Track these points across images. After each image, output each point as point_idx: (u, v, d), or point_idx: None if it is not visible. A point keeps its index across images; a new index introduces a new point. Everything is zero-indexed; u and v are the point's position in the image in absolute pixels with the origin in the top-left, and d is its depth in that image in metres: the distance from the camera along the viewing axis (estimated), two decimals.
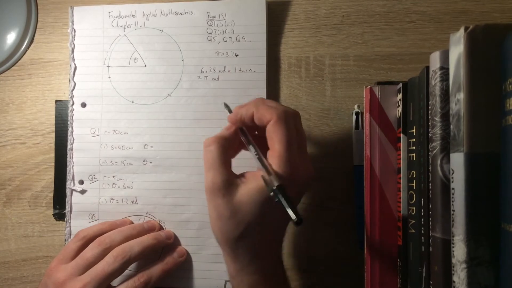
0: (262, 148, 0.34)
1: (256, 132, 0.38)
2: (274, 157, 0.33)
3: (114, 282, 0.41)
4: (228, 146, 0.34)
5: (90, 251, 0.40)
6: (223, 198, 0.32)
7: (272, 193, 0.31)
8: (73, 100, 0.47)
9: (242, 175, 0.34)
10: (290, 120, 0.33)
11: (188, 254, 0.44)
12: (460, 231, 0.29)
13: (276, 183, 0.31)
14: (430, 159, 0.33)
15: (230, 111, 0.38)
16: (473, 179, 0.29)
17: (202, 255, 0.44)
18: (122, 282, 0.41)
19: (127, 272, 0.41)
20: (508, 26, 0.29)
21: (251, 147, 0.34)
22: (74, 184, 0.46)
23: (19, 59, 0.49)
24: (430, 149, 0.33)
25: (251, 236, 0.33)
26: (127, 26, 0.46)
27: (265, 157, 0.33)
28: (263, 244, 0.34)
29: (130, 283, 0.40)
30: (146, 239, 0.42)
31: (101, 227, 0.43)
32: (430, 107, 0.34)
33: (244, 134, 0.35)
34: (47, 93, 0.48)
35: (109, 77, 0.46)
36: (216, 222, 0.33)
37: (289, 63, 0.45)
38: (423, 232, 0.35)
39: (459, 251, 0.29)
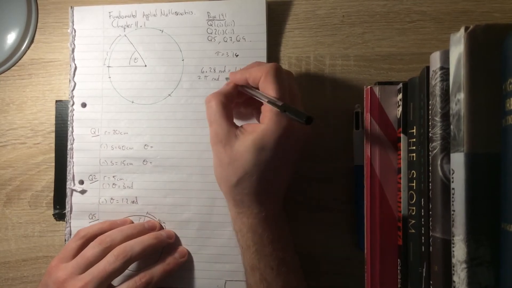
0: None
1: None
2: (267, 111, 0.35)
3: (114, 282, 0.41)
4: (227, 101, 0.37)
5: (90, 250, 0.40)
6: (224, 148, 0.36)
7: (285, 111, 0.33)
8: (73, 100, 0.47)
9: (242, 127, 0.37)
10: (281, 75, 0.36)
11: (189, 254, 0.44)
12: (460, 231, 0.29)
13: (280, 103, 0.34)
14: (430, 159, 0.33)
15: None
16: (473, 179, 0.29)
17: (202, 255, 0.44)
18: (122, 282, 0.41)
19: (127, 272, 0.41)
20: (509, 26, 0.29)
21: (255, 90, 0.37)
22: (74, 184, 0.46)
23: (19, 59, 0.49)
24: (430, 149, 0.33)
25: (248, 182, 0.36)
26: (127, 26, 0.46)
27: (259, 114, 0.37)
28: (262, 191, 0.37)
29: (132, 282, 0.40)
30: (147, 239, 0.42)
31: (101, 226, 0.43)
32: (430, 107, 0.33)
33: (242, 86, 0.39)
34: (47, 93, 0.48)
35: (109, 77, 0.46)
36: (218, 169, 0.37)
37: (289, 63, 0.45)
38: (423, 232, 0.35)
39: (459, 251, 0.29)
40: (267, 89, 0.35)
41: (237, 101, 0.40)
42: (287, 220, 0.40)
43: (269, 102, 0.34)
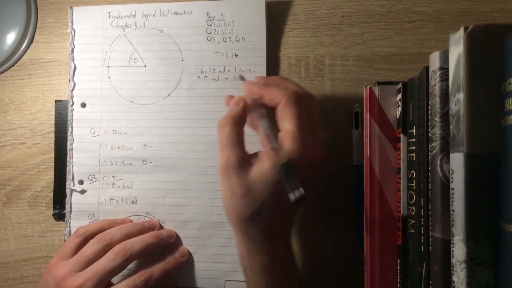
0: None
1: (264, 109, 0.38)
2: (286, 137, 0.33)
3: (113, 280, 0.41)
4: (241, 125, 0.35)
5: (90, 248, 0.40)
6: (237, 177, 0.33)
7: (277, 170, 0.31)
8: (72, 100, 0.47)
9: (255, 154, 0.35)
10: (301, 101, 0.34)
11: (189, 253, 0.44)
12: (459, 231, 0.29)
13: (282, 160, 0.31)
14: (429, 159, 0.33)
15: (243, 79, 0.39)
16: (473, 179, 0.29)
17: (202, 255, 0.44)
18: (121, 281, 0.41)
19: (126, 271, 0.41)
20: (508, 26, 0.29)
21: (262, 121, 0.34)
22: (74, 184, 0.46)
23: (19, 59, 0.49)
24: (429, 149, 0.33)
25: (263, 216, 0.33)
26: (127, 26, 0.46)
27: (276, 137, 0.34)
28: (275, 226, 0.34)
29: (131, 280, 0.40)
30: (147, 237, 0.42)
31: (101, 224, 0.44)
32: (429, 107, 0.34)
33: (256, 109, 0.35)
34: (47, 93, 0.48)
35: (109, 77, 0.46)
36: (229, 201, 0.34)
37: (289, 63, 0.45)
38: (422, 232, 0.35)
39: (458, 251, 0.29)
40: (285, 116, 0.33)
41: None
42: (295, 259, 0.38)
43: (271, 148, 0.32)
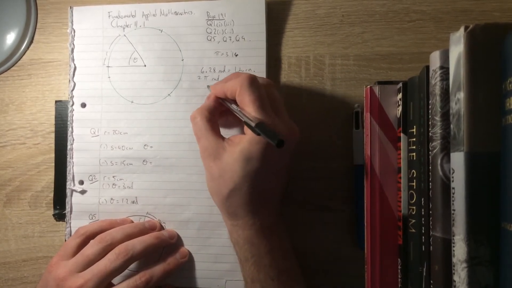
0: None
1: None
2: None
3: (114, 281, 0.41)
4: (212, 114, 0.38)
5: (90, 248, 0.40)
6: (214, 161, 0.36)
7: (259, 134, 0.33)
8: (73, 101, 0.47)
9: (229, 139, 0.37)
10: (256, 84, 0.36)
11: (189, 254, 0.44)
12: (460, 231, 0.29)
13: (255, 122, 0.33)
14: (430, 159, 0.33)
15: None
16: (473, 178, 0.29)
17: (203, 255, 0.44)
18: (122, 281, 0.41)
19: (126, 272, 0.41)
20: (508, 25, 0.29)
21: (232, 106, 0.37)
22: (74, 185, 0.46)
23: (19, 59, 0.49)
24: (430, 148, 0.33)
25: (239, 194, 0.36)
26: (127, 26, 0.46)
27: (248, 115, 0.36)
28: (254, 202, 0.36)
29: (132, 281, 0.40)
30: (148, 238, 0.42)
31: (101, 225, 0.44)
32: (430, 107, 0.33)
33: (223, 99, 0.39)
34: (47, 93, 0.48)
35: (109, 77, 0.46)
36: (210, 183, 0.38)
37: (289, 62, 0.45)
38: (423, 231, 0.35)
39: (459, 250, 0.29)
40: (244, 101, 0.35)
41: (222, 110, 0.40)
42: (285, 229, 0.40)
43: (245, 122, 0.34)
